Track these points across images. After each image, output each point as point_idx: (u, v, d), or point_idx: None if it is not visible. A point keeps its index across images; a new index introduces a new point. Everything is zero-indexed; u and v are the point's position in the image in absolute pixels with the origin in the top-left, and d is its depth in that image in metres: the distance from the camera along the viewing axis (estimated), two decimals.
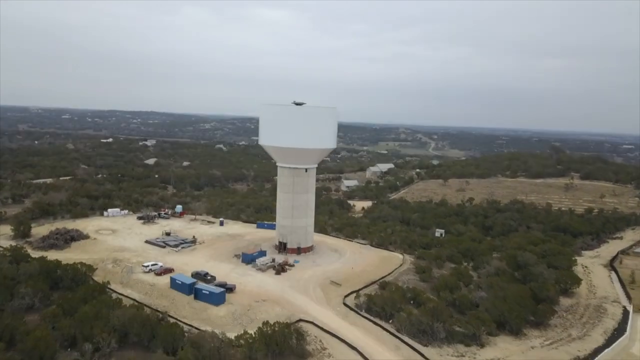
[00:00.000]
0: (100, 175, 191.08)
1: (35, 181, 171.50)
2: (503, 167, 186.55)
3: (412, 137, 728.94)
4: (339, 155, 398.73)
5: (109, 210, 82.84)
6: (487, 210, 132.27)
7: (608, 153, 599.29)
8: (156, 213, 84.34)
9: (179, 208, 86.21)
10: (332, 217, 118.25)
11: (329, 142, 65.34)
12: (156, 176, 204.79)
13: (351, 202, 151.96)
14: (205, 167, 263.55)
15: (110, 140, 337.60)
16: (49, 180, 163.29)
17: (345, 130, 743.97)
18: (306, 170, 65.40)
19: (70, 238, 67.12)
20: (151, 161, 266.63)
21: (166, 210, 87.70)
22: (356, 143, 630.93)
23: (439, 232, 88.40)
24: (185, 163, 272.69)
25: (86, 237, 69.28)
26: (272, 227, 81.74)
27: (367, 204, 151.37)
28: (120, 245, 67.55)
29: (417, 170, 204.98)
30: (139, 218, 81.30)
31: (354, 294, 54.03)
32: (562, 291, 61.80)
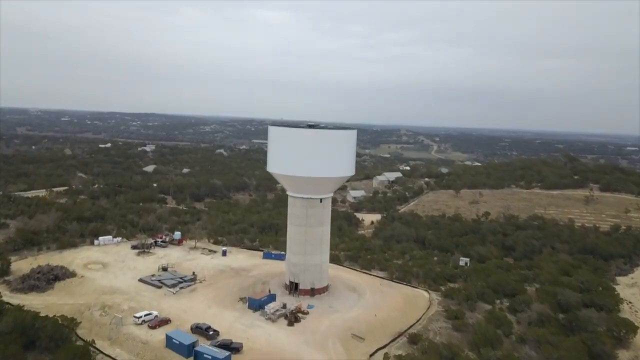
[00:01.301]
0: (96, 185, 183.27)
1: (27, 193, 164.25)
2: (516, 177, 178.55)
3: (414, 140, 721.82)
4: None
5: (101, 238, 75.13)
6: (506, 226, 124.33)
7: (612, 156, 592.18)
8: (152, 241, 76.56)
9: (177, 235, 78.46)
10: (341, 236, 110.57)
11: (347, 169, 57.49)
12: (154, 185, 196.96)
13: (359, 216, 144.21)
14: (206, 173, 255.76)
15: (109, 145, 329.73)
16: (42, 193, 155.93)
17: None
18: (321, 200, 57.57)
19: (54, 277, 59.34)
20: (150, 168, 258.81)
21: (163, 236, 79.90)
22: (358, 145, 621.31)
23: (463, 261, 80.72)
24: (185, 170, 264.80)
25: (72, 274, 61.52)
26: (279, 257, 74.09)
27: (375, 217, 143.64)
28: (110, 285, 59.75)
29: (426, 179, 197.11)
30: (133, 247, 73.52)
31: (381, 352, 46.27)
32: (617, 341, 54.03)
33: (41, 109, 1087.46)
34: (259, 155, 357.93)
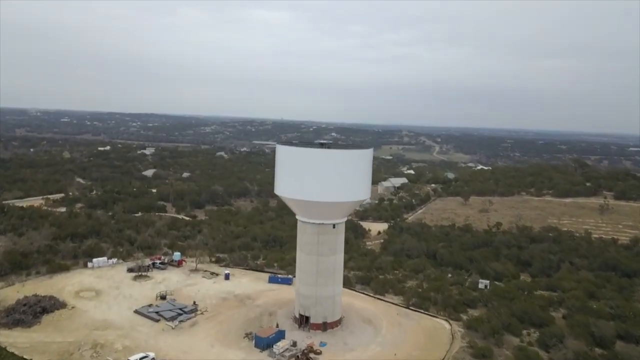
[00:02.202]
0: (94, 192, 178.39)
1: (23, 201, 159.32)
2: (526, 184, 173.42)
3: (416, 140, 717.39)
4: None
5: (95, 260, 70.07)
6: (519, 239, 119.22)
7: (616, 157, 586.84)
8: (150, 262, 71.49)
9: (176, 255, 73.38)
10: (349, 250, 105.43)
11: (363, 191, 52.36)
12: (154, 191, 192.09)
13: (366, 226, 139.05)
14: (206, 178, 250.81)
15: (108, 148, 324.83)
16: (37, 202, 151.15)
17: (347, 133, 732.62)
18: (334, 226, 52.46)
19: (42, 310, 54.26)
20: (149, 172, 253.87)
21: (162, 257, 74.81)
22: (359, 147, 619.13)
23: (482, 284, 75.63)
24: (185, 174, 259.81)
25: (62, 305, 56.45)
26: (286, 281, 69.14)
27: (382, 226, 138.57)
28: (103, 318, 54.61)
29: (433, 185, 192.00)
30: (130, 270, 68.44)
31: None
32: None
33: (41, 109, 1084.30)
34: (260, 158, 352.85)
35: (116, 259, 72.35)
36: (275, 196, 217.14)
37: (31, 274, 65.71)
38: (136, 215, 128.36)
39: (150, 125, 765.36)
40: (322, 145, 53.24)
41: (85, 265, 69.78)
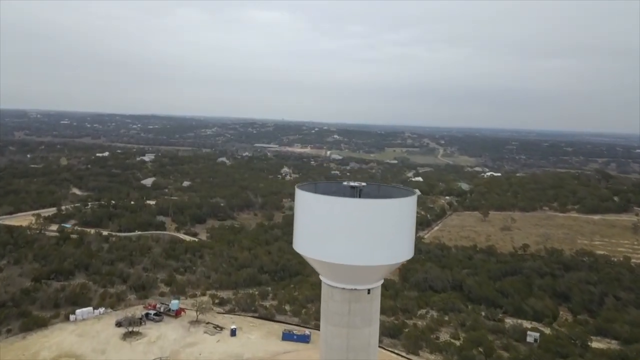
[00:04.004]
0: (89, 206, 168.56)
1: (13, 218, 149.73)
2: (548, 197, 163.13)
3: (419, 143, 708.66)
4: (347, 167, 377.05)
5: (78, 311, 59.92)
6: (551, 265, 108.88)
7: (623, 159, 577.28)
8: (143, 313, 61.29)
9: (174, 304, 63.22)
10: None
11: (407, 249, 41.85)
12: (153, 204, 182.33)
13: None
14: (208, 186, 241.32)
15: (107, 154, 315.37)
16: (27, 219, 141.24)
17: (349, 135, 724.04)
18: (369, 291, 41.86)
19: None
20: (149, 182, 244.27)
21: (157, 305, 64.59)
22: (362, 149, 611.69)
23: (531, 337, 65.39)
24: (186, 183, 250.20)
25: None
26: (303, 339, 58.98)
27: None
28: None
29: (447, 197, 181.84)
30: (118, 324, 58.23)
31: None
32: None
33: (41, 110, 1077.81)
34: (262, 164, 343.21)
35: (103, 309, 62.18)
36: (280, 209, 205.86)
37: (1, 333, 55.52)
38: (132, 237, 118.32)
39: (151, 127, 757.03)
40: (353, 189, 42.46)
41: (67, 318, 59.57)
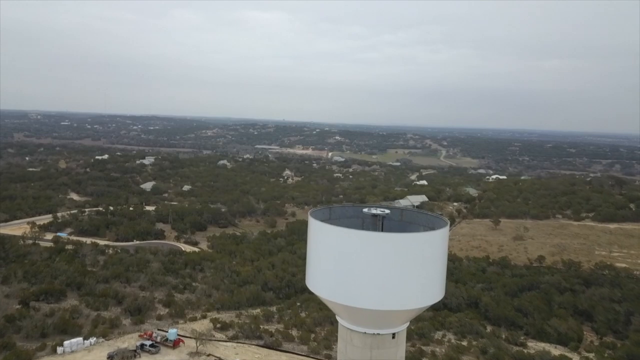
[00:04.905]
0: (86, 213, 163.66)
1: (7, 226, 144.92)
2: (561, 205, 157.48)
3: (422, 144, 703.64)
4: (350, 170, 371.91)
5: (67, 343, 54.65)
6: (570, 279, 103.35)
7: (627, 160, 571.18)
8: (138, 344, 55.96)
9: (172, 334, 57.86)
10: None
11: (437, 290, 36.37)
12: (152, 209, 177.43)
13: None
14: (209, 190, 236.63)
15: (106, 156, 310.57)
16: (22, 228, 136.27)
17: (350, 137, 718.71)
18: (393, 336, 36.24)
19: None
20: (148, 186, 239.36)
21: (153, 334, 59.24)
22: (364, 151, 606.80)
23: None
24: (186, 187, 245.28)
25: None
26: None
27: None
28: None
29: (455, 203, 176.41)
30: (110, 358, 52.93)
31: None
32: None
33: (42, 111, 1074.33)
34: (264, 167, 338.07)
35: (95, 339, 56.80)
36: (283, 215, 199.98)
37: None
38: (129, 249, 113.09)
39: (152, 128, 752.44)
40: (375, 217, 36.77)
41: (54, 351, 54.25)
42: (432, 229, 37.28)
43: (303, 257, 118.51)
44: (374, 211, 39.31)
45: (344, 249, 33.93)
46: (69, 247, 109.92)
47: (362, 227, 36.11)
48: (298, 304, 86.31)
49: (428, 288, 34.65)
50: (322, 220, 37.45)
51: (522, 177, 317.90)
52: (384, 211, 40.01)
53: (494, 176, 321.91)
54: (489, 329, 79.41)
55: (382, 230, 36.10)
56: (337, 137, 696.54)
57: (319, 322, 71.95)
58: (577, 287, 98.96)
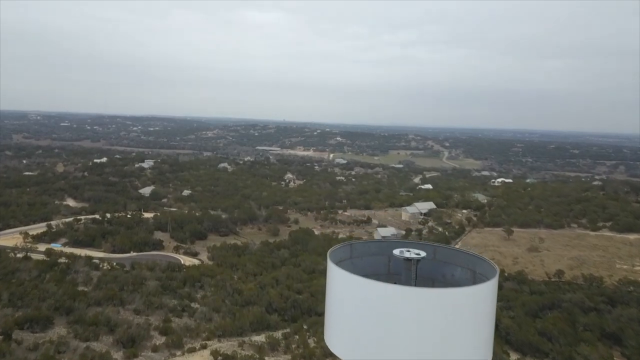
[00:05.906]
0: (82, 222, 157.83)
1: None
2: (576, 213, 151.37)
3: (424, 145, 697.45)
4: (352, 172, 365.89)
5: None
6: (594, 298, 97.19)
7: (631, 162, 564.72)
8: None
9: None
10: None
11: (483, 350, 30.16)
12: (150, 217, 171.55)
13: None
14: (209, 195, 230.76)
15: (104, 160, 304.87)
16: (14, 239, 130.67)
17: (352, 137, 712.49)
18: None
19: None
20: (147, 190, 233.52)
21: None
22: (365, 152, 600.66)
23: None
24: (186, 192, 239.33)
25: None
26: None
27: None
28: None
29: (464, 211, 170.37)
30: None
31: None
32: None
33: (42, 112, 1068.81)
34: (265, 169, 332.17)
35: None
36: (286, 222, 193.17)
37: None
38: (124, 264, 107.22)
39: (152, 129, 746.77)
40: (408, 262, 29.83)
41: None
42: (473, 272, 29.31)
43: (308, 271, 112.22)
44: (406, 255, 31.62)
45: (371, 303, 26.15)
46: (62, 260, 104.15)
47: (389, 267, 28.51)
48: (305, 327, 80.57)
49: (471, 348, 27.11)
50: (342, 260, 29.38)
51: (528, 180, 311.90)
52: (417, 254, 32.30)
53: (499, 179, 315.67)
54: (512, 357, 73.50)
55: (416, 275, 28.41)
56: (338, 138, 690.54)
57: (329, 352, 66.03)
58: (601, 306, 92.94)
